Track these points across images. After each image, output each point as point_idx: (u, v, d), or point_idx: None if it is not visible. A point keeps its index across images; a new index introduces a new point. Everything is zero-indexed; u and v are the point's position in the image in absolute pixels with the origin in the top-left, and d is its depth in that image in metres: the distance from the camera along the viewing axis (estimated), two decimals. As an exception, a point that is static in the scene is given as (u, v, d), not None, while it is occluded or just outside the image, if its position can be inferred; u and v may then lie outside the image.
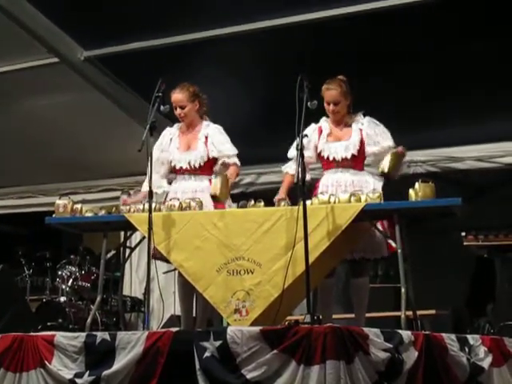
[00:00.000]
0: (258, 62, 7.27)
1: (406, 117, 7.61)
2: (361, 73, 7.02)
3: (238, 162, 6.07)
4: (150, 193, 5.48)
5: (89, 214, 5.89)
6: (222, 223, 5.46)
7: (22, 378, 5.01)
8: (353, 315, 5.93)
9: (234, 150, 6.07)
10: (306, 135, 5.30)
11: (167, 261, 5.80)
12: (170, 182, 6.22)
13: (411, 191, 5.33)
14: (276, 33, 6.99)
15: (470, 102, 7.37)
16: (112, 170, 9.19)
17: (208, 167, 6.07)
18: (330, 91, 5.78)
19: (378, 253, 5.70)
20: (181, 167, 6.07)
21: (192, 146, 6.09)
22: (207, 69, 7.51)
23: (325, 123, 5.95)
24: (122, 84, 8.01)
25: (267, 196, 5.83)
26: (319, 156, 5.90)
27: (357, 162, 5.81)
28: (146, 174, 5.74)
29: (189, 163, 6.05)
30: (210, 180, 5.90)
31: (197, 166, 6.04)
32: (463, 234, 7.30)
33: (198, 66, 7.49)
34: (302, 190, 5.08)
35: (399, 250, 5.32)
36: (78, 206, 5.94)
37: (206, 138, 6.08)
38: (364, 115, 5.88)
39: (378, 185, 5.68)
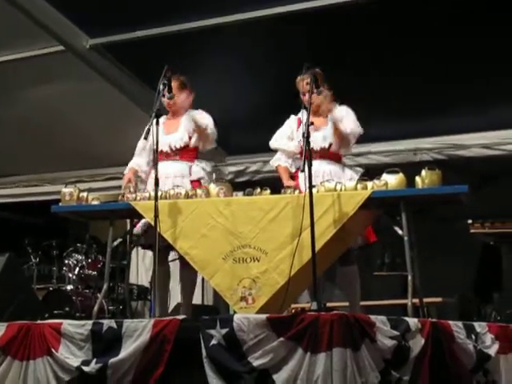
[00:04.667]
0: (264, 49, 7.23)
1: (411, 105, 7.59)
2: (365, 61, 6.99)
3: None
4: (157, 180, 5.46)
5: (95, 202, 5.90)
6: (228, 211, 5.45)
7: (28, 366, 5.01)
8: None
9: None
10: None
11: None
12: None
13: (418, 179, 5.32)
14: (283, 20, 6.95)
15: (475, 89, 7.34)
16: (118, 158, 9.16)
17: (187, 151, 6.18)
18: (303, 82, 5.82)
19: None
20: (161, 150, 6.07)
21: (173, 130, 6.18)
22: (214, 56, 7.49)
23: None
24: (128, 72, 7.99)
25: (273, 184, 5.82)
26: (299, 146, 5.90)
27: (334, 152, 5.86)
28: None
29: (169, 145, 6.12)
30: (189, 167, 6.09)
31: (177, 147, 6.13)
32: (469, 221, 7.27)
33: (204, 54, 7.47)
34: (309, 178, 5.06)
35: (405, 238, 5.30)
36: (84, 194, 5.93)
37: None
38: (340, 104, 5.90)
39: (354, 176, 5.74)
